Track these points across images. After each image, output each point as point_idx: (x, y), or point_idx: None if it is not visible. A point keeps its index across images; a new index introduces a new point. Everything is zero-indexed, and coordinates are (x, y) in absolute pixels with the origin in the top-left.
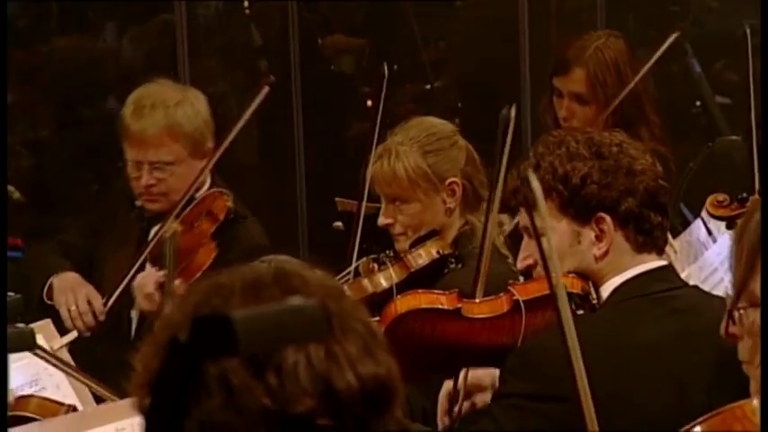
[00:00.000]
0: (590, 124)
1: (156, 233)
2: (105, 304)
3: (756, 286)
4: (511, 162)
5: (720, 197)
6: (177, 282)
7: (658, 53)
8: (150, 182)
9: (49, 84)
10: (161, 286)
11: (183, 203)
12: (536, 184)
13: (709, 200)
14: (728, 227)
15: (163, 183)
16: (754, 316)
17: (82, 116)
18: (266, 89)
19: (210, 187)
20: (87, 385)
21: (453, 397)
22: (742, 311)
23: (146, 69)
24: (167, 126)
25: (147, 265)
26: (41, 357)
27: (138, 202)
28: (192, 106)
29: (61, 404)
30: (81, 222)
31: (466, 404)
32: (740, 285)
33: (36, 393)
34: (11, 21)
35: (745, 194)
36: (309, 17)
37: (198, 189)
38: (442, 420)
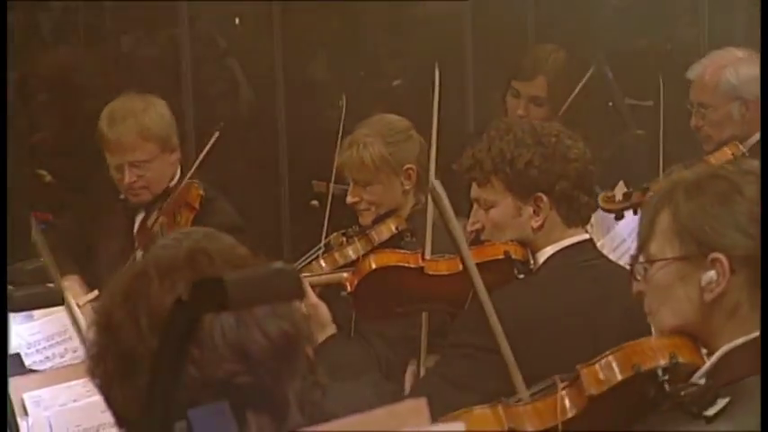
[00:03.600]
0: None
1: (142, 222)
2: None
3: (653, 246)
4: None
5: (609, 194)
6: None
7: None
8: (132, 179)
9: (75, 85)
10: None
11: (162, 197)
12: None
13: (600, 196)
14: (617, 218)
15: (142, 178)
16: (652, 271)
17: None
18: (216, 133)
19: (181, 177)
20: None
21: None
22: (644, 267)
23: (155, 74)
24: (139, 131)
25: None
26: None
27: (122, 196)
28: (155, 111)
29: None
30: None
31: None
32: (641, 244)
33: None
34: (40, 31)
35: (630, 189)
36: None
37: (171, 179)
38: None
